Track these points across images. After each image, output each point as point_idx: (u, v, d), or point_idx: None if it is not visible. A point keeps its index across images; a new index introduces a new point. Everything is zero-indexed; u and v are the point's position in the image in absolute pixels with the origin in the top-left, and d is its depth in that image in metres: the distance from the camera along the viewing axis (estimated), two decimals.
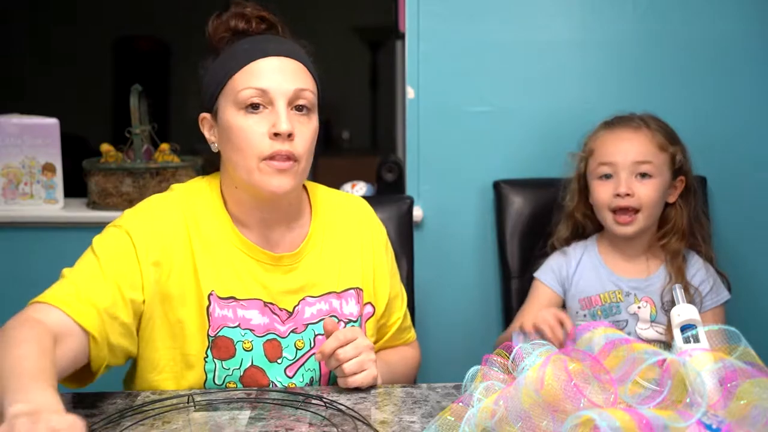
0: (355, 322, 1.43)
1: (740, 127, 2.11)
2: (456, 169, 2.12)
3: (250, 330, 1.35)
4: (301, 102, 1.32)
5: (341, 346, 1.28)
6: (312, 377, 1.39)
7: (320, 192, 1.50)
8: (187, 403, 1.23)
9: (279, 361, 1.36)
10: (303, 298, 1.39)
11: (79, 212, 2.19)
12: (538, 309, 1.76)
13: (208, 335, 1.33)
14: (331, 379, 1.40)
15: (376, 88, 4.91)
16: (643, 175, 1.68)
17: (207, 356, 1.33)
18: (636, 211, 1.69)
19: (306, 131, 1.33)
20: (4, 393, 1.01)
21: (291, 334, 1.37)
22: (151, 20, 4.67)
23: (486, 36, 2.09)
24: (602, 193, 1.71)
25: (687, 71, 2.10)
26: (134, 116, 2.16)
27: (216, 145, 1.38)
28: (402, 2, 2.13)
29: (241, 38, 1.35)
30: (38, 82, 4.50)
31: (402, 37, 2.18)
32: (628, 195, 1.67)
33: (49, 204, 2.20)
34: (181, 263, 1.33)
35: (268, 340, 1.35)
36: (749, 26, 2.08)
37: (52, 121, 2.20)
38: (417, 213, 2.10)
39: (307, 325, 1.39)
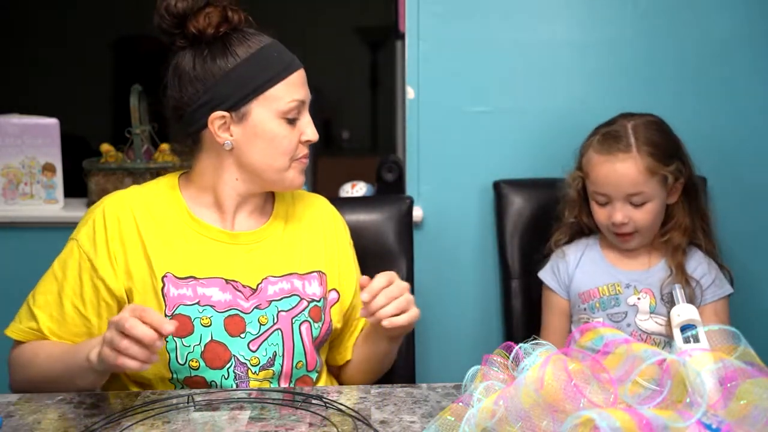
0: (318, 302, 1.46)
1: (740, 127, 2.11)
2: (456, 169, 2.12)
3: (211, 306, 1.39)
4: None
5: (387, 286, 1.31)
6: (275, 351, 1.41)
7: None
8: (187, 403, 1.23)
9: (242, 335, 1.40)
10: (266, 277, 1.44)
11: (79, 212, 2.18)
12: (556, 321, 1.83)
13: (165, 315, 1.37)
14: (295, 360, 1.42)
15: (376, 88, 4.90)
16: (638, 202, 1.68)
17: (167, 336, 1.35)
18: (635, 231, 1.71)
19: None
20: (74, 357, 1.30)
21: (255, 310, 1.41)
22: (151, 20, 4.66)
23: (486, 36, 2.09)
24: (601, 216, 1.73)
25: (687, 71, 2.10)
26: (134, 116, 2.16)
27: (230, 143, 1.41)
28: (402, 2, 2.13)
29: (237, 33, 1.41)
30: (38, 82, 4.50)
31: (402, 37, 2.17)
32: (623, 223, 1.69)
33: (49, 204, 2.20)
34: (133, 250, 1.40)
35: (229, 315, 1.39)
36: (749, 26, 2.08)
37: (52, 121, 2.19)
38: (417, 213, 2.10)
39: (271, 301, 1.43)
